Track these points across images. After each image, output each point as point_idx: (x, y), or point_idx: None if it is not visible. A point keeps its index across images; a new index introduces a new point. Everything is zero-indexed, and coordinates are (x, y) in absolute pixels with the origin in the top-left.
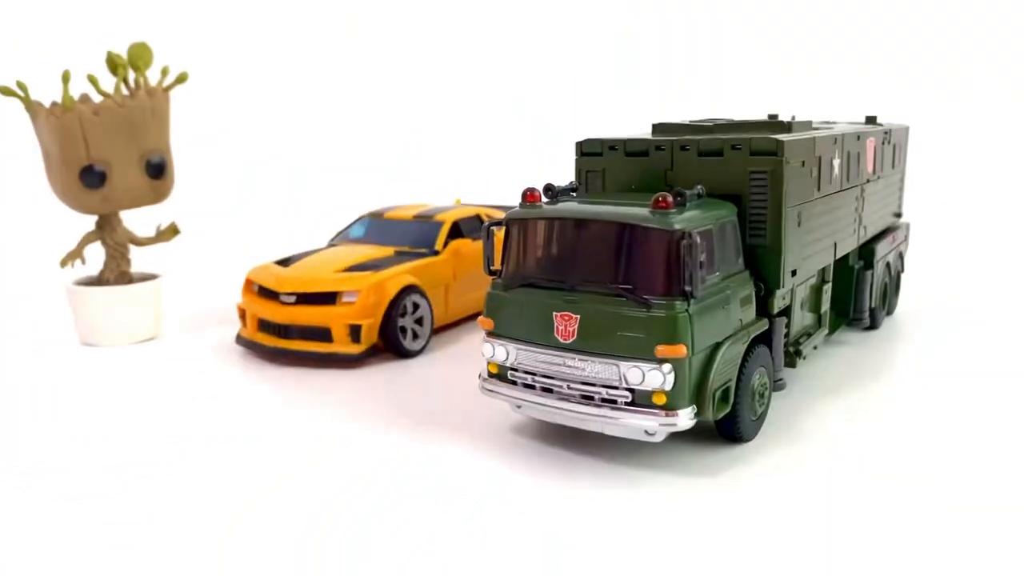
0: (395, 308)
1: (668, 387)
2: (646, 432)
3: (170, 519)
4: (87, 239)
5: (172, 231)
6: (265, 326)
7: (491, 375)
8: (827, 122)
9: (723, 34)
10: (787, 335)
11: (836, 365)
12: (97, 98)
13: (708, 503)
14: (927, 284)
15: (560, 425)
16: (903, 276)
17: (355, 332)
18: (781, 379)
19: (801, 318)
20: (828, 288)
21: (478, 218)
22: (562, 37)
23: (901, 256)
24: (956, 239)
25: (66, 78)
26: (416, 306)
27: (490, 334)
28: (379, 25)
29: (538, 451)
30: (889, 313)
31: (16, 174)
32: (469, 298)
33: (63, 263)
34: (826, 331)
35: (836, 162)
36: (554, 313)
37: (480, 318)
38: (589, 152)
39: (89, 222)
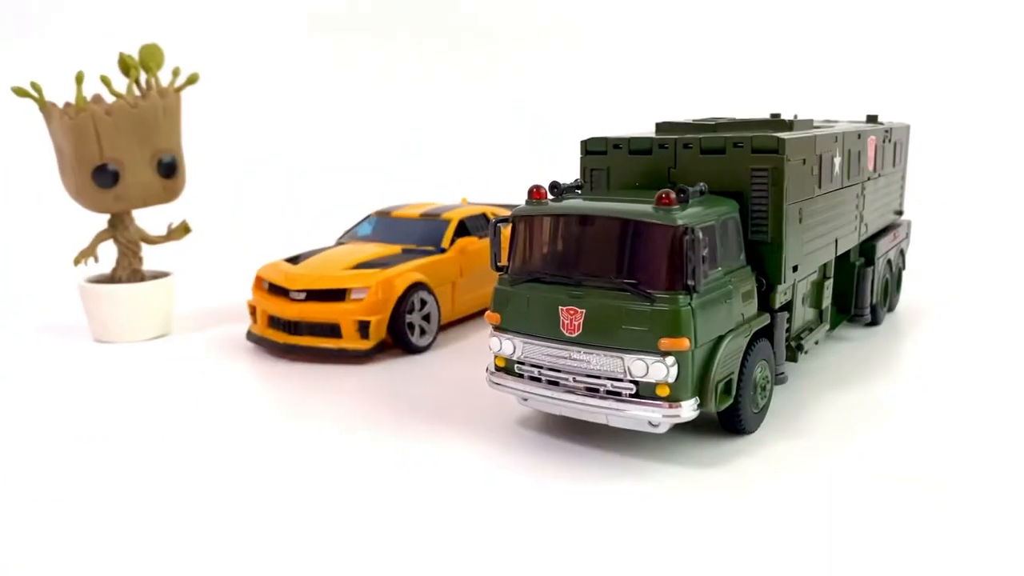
0: (403, 305)
1: (671, 379)
2: (650, 423)
3: (174, 515)
4: (100, 237)
5: (183, 229)
6: (275, 322)
7: (498, 369)
8: (829, 121)
9: (726, 34)
10: (789, 330)
11: (837, 360)
12: (110, 99)
13: (712, 494)
14: (928, 281)
15: (565, 417)
16: (904, 273)
17: (364, 328)
18: (783, 373)
19: (803, 313)
20: (830, 284)
21: (484, 216)
22: (568, 37)
23: (902, 253)
24: (957, 237)
25: (79, 79)
26: (423, 303)
27: (497, 328)
28: (383, 25)
29: (544, 443)
30: (890, 309)
31: (30, 174)
32: (475, 295)
33: (76, 261)
34: (827, 326)
35: (837, 160)
36: (560, 307)
37: (487, 313)
38: (594, 150)
39: (102, 221)
